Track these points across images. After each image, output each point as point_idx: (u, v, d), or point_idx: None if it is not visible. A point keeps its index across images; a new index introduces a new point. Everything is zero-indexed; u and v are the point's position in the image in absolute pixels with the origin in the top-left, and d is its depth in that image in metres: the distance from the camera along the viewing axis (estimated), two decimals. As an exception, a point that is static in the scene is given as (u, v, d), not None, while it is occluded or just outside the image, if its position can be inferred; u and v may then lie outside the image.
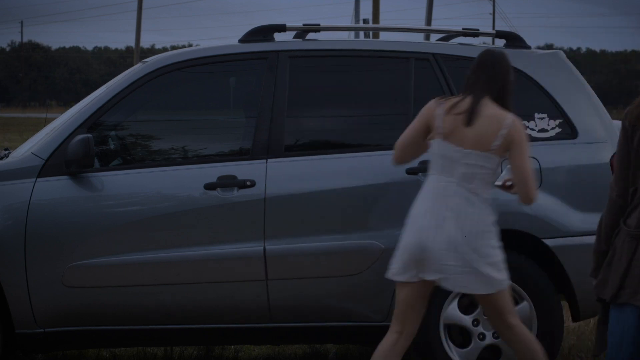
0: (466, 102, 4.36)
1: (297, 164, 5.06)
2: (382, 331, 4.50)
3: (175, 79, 5.19)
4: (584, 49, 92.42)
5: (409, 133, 4.49)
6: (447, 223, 4.30)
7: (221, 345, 6.02)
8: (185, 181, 4.99)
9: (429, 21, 31.59)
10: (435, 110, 4.39)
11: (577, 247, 5.06)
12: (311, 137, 5.23)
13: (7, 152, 5.55)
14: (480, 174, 4.33)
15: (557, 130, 5.22)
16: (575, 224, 5.08)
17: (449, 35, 5.73)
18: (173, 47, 76.16)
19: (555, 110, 5.25)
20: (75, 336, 4.99)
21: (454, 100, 4.40)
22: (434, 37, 6.12)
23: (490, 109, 4.35)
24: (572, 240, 5.06)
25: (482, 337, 5.02)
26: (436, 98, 4.47)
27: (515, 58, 5.32)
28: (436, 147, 4.39)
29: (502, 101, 4.40)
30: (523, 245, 5.18)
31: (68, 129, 5.01)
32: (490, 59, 4.44)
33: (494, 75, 4.41)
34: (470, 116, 4.33)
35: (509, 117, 4.34)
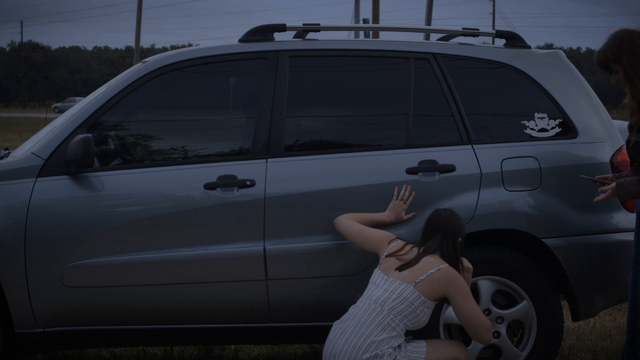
0: (412, 253, 4.75)
1: (297, 164, 5.06)
2: (382, 331, 4.51)
3: (175, 79, 5.19)
4: (584, 49, 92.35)
5: (360, 234, 4.88)
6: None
7: (221, 345, 6.02)
8: (185, 181, 4.99)
9: (429, 21, 31.62)
10: (387, 245, 4.82)
11: (577, 246, 5.06)
12: (311, 137, 5.23)
13: (7, 152, 5.55)
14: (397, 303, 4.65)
15: (557, 129, 5.22)
16: (575, 223, 5.08)
17: (449, 35, 5.73)
18: (173, 47, 76.18)
19: (555, 109, 5.25)
20: (75, 336, 4.99)
21: (402, 247, 4.78)
22: (434, 37, 6.12)
23: (429, 260, 4.70)
24: (572, 240, 5.06)
25: (482, 337, 5.02)
26: (394, 237, 4.86)
27: (515, 58, 5.34)
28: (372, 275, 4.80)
29: (452, 259, 4.75)
30: (523, 245, 5.19)
31: (68, 128, 5.01)
32: (439, 221, 4.80)
33: (444, 237, 4.76)
34: (407, 266, 4.70)
35: (442, 265, 4.67)
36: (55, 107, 67.16)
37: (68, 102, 68.34)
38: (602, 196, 4.71)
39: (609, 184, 4.74)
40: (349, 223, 4.90)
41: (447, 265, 4.68)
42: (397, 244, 4.80)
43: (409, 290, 4.62)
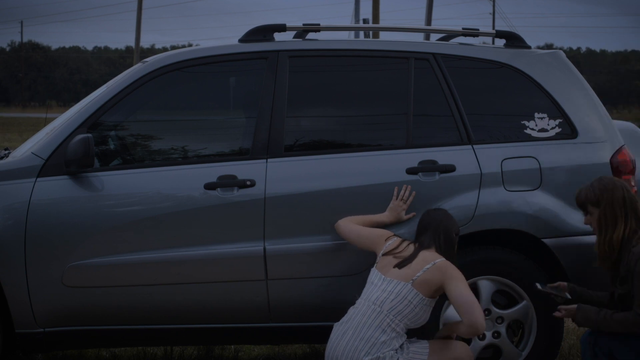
0: (409, 250, 4.74)
1: (297, 164, 5.06)
2: (382, 331, 4.51)
3: (175, 79, 5.19)
4: (584, 49, 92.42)
5: (358, 234, 4.88)
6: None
7: (221, 345, 6.02)
8: (185, 181, 4.99)
9: (429, 21, 31.63)
10: (384, 242, 4.81)
11: (576, 246, 5.07)
12: (311, 137, 5.23)
13: (7, 152, 5.55)
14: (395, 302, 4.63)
15: (557, 130, 5.22)
16: (574, 224, 5.08)
17: (449, 35, 5.73)
18: (173, 47, 76.18)
19: (555, 109, 5.25)
20: (75, 336, 4.99)
21: (399, 244, 4.78)
22: (434, 37, 6.12)
23: (425, 255, 4.70)
24: (571, 240, 5.06)
25: (481, 336, 5.02)
26: (391, 234, 4.86)
27: (515, 58, 5.34)
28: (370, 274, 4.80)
29: (447, 254, 4.74)
30: (523, 244, 5.19)
31: (68, 128, 5.01)
32: (429, 218, 4.83)
33: (437, 233, 4.78)
34: (405, 263, 4.68)
35: (438, 259, 4.67)
36: None
37: None
38: (560, 314, 4.71)
39: (562, 296, 4.80)
40: (348, 225, 4.90)
41: (443, 259, 4.68)
42: (394, 241, 4.80)
43: (406, 289, 4.62)
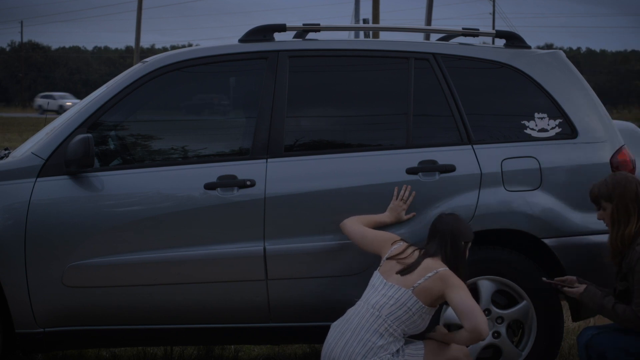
0: (413, 257, 4.70)
1: (297, 164, 5.06)
2: (382, 331, 4.50)
3: (175, 79, 5.19)
4: (584, 49, 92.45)
5: (364, 234, 4.86)
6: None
7: (221, 345, 6.02)
8: (185, 181, 4.99)
9: (429, 21, 31.66)
10: (390, 246, 4.78)
11: (576, 246, 5.07)
12: (311, 137, 5.22)
13: (7, 152, 5.55)
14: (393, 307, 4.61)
15: (557, 130, 5.23)
16: (575, 223, 5.08)
17: (449, 35, 5.73)
18: (173, 47, 76.18)
19: (555, 109, 5.25)
20: (75, 336, 4.99)
21: (404, 249, 4.74)
22: (434, 37, 6.12)
23: (429, 263, 4.66)
24: (571, 240, 5.06)
25: (482, 337, 5.02)
26: (397, 238, 4.83)
27: (515, 58, 5.34)
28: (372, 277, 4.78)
29: (452, 263, 4.69)
30: (523, 244, 5.19)
31: (68, 128, 5.01)
32: (438, 224, 4.78)
33: (444, 241, 4.71)
34: (408, 269, 4.65)
35: (440, 268, 4.62)
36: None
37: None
38: (570, 290, 4.80)
39: (569, 286, 4.84)
40: (353, 226, 4.89)
41: (446, 268, 4.66)
42: (399, 246, 4.79)
43: (406, 295, 4.61)
